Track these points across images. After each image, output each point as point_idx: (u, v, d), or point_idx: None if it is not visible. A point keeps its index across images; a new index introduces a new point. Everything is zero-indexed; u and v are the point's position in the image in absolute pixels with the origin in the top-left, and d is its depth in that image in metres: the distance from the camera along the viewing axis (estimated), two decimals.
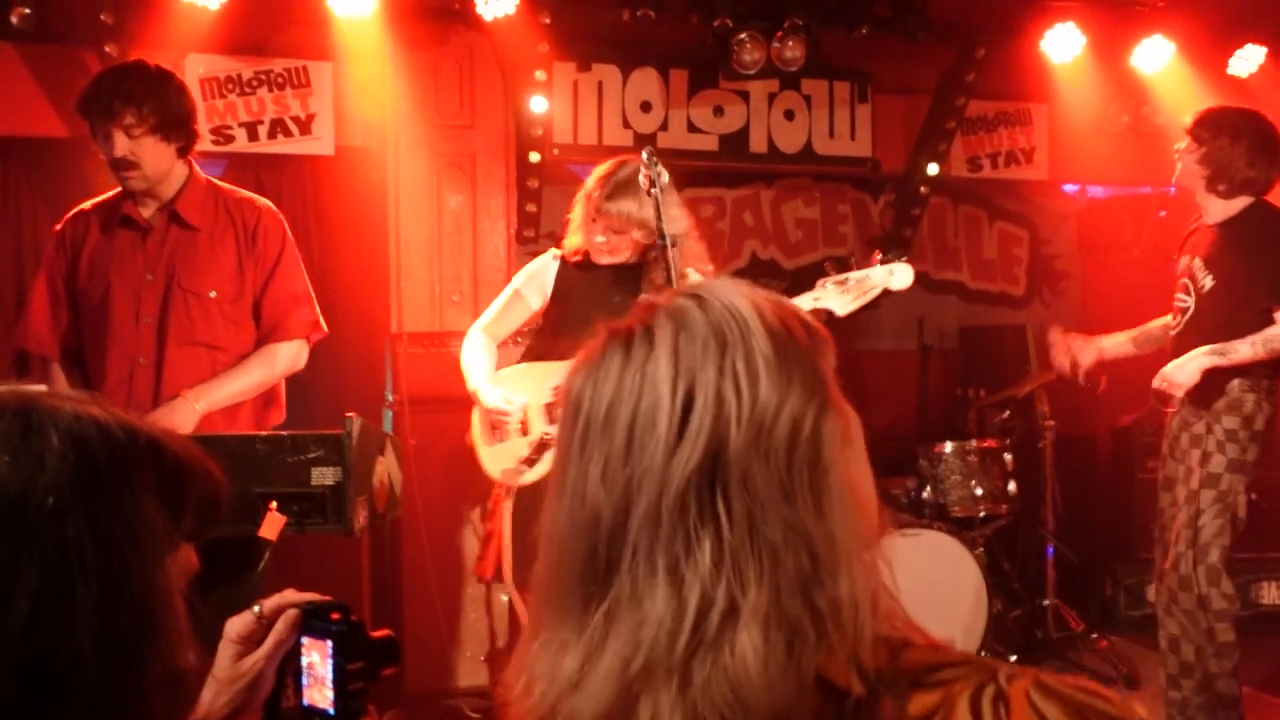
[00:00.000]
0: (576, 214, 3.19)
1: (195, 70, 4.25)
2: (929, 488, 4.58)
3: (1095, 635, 4.79)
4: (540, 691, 0.89)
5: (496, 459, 3.16)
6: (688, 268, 2.98)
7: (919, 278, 5.77)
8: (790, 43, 4.66)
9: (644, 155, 2.61)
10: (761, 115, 5.21)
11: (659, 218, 2.56)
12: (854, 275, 2.88)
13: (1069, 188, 6.04)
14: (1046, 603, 4.79)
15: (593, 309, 3.06)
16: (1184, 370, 3.42)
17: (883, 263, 2.90)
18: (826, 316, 2.88)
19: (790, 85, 5.19)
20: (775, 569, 0.83)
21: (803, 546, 0.84)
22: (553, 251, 3.24)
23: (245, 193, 3.10)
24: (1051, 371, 4.24)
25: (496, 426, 3.13)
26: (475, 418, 3.24)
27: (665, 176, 2.65)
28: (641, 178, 2.64)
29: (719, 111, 5.17)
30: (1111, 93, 5.22)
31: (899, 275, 2.92)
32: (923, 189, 5.41)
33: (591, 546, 0.87)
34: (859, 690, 0.83)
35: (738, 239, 5.52)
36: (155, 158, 2.83)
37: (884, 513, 0.91)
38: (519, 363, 3.33)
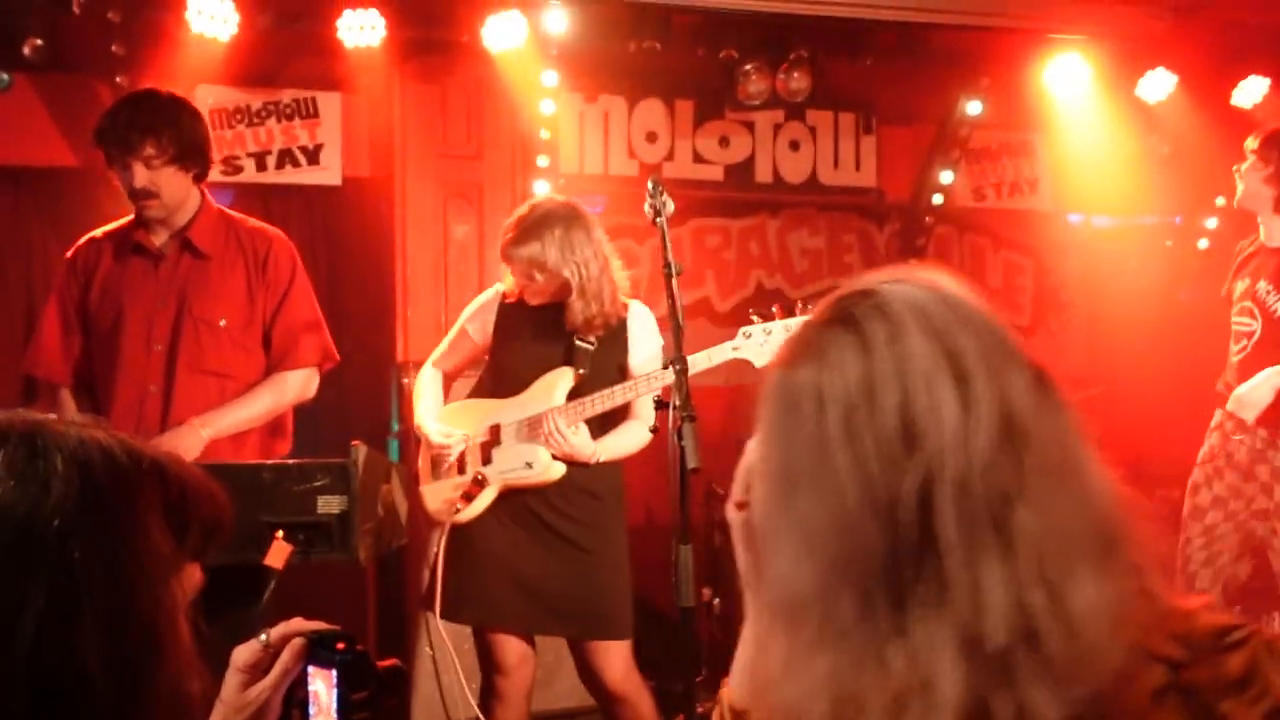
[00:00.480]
0: None
1: (205, 101, 4.28)
2: None
3: None
4: (842, 710, 0.82)
5: (434, 495, 3.10)
6: (621, 297, 3.02)
7: None
8: (795, 74, 4.70)
9: (649, 185, 2.62)
10: (767, 145, 5.24)
11: (664, 247, 2.56)
12: (775, 326, 2.82)
13: (1073, 218, 6.05)
14: None
15: (521, 349, 3.03)
16: (1258, 390, 3.34)
17: (802, 313, 2.78)
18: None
19: (795, 116, 5.23)
20: (1077, 538, 0.83)
21: (1095, 513, 0.84)
22: (498, 287, 3.16)
23: (256, 222, 3.11)
24: None
25: (438, 463, 3.08)
26: (421, 455, 3.18)
27: (670, 206, 2.65)
28: (647, 207, 2.64)
29: (725, 142, 5.20)
30: (1115, 123, 5.24)
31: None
32: (928, 219, 5.43)
33: (890, 536, 0.81)
34: (1181, 656, 0.85)
35: (743, 268, 5.53)
36: (174, 187, 2.85)
37: None
38: (467, 398, 3.24)
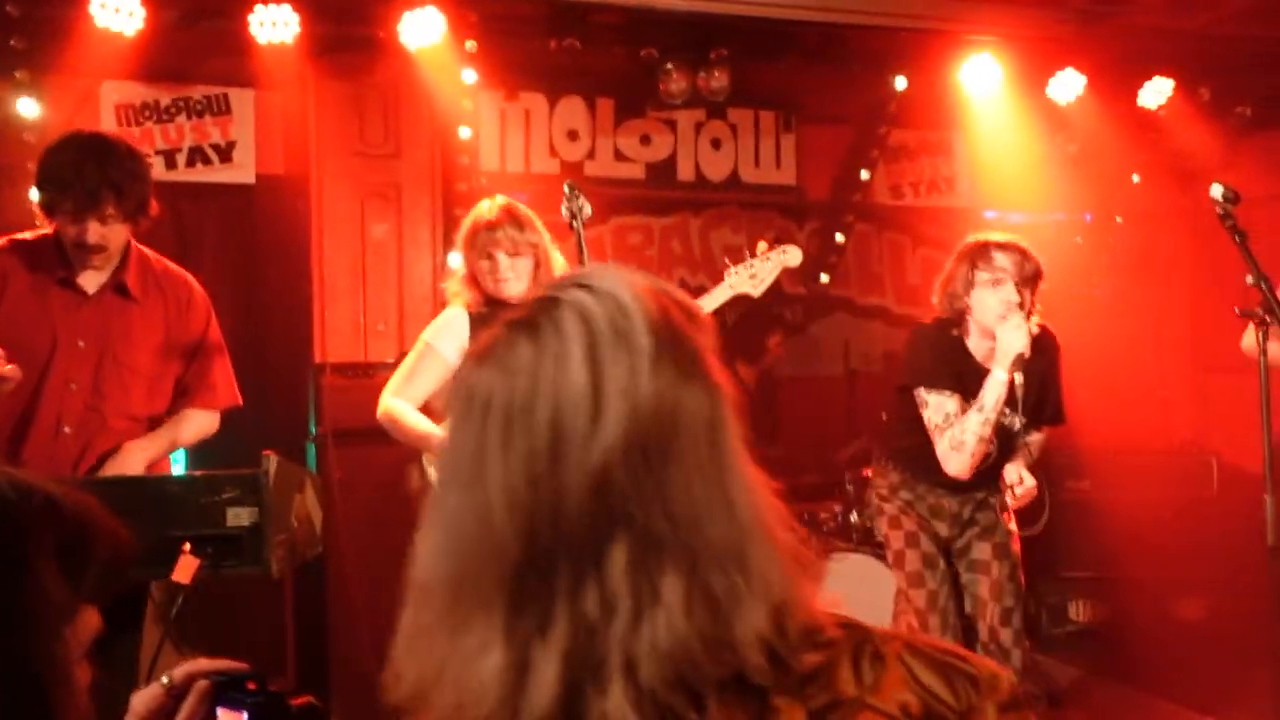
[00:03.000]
0: (460, 268, 3.16)
1: (110, 97, 4.17)
2: (855, 512, 4.62)
3: None
4: (458, 698, 0.86)
5: None
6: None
7: (845, 304, 5.93)
8: (716, 73, 4.72)
9: (566, 188, 2.61)
10: (688, 144, 5.26)
11: (580, 250, 2.55)
12: (754, 261, 3.20)
13: (989, 214, 6.17)
14: None
15: None
16: None
17: (772, 248, 3.25)
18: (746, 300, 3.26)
19: (717, 115, 5.26)
20: (693, 548, 0.85)
21: (717, 523, 0.86)
22: (459, 305, 3.14)
23: (168, 263, 3.01)
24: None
25: None
26: (431, 468, 3.09)
27: (588, 210, 2.65)
28: (564, 210, 2.63)
29: (646, 140, 5.21)
30: (1028, 123, 5.35)
31: (791, 255, 3.27)
32: (847, 216, 5.49)
33: (523, 543, 0.85)
34: (782, 651, 0.87)
35: (666, 266, 5.54)
36: (120, 239, 2.76)
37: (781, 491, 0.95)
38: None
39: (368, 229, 4.57)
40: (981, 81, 4.98)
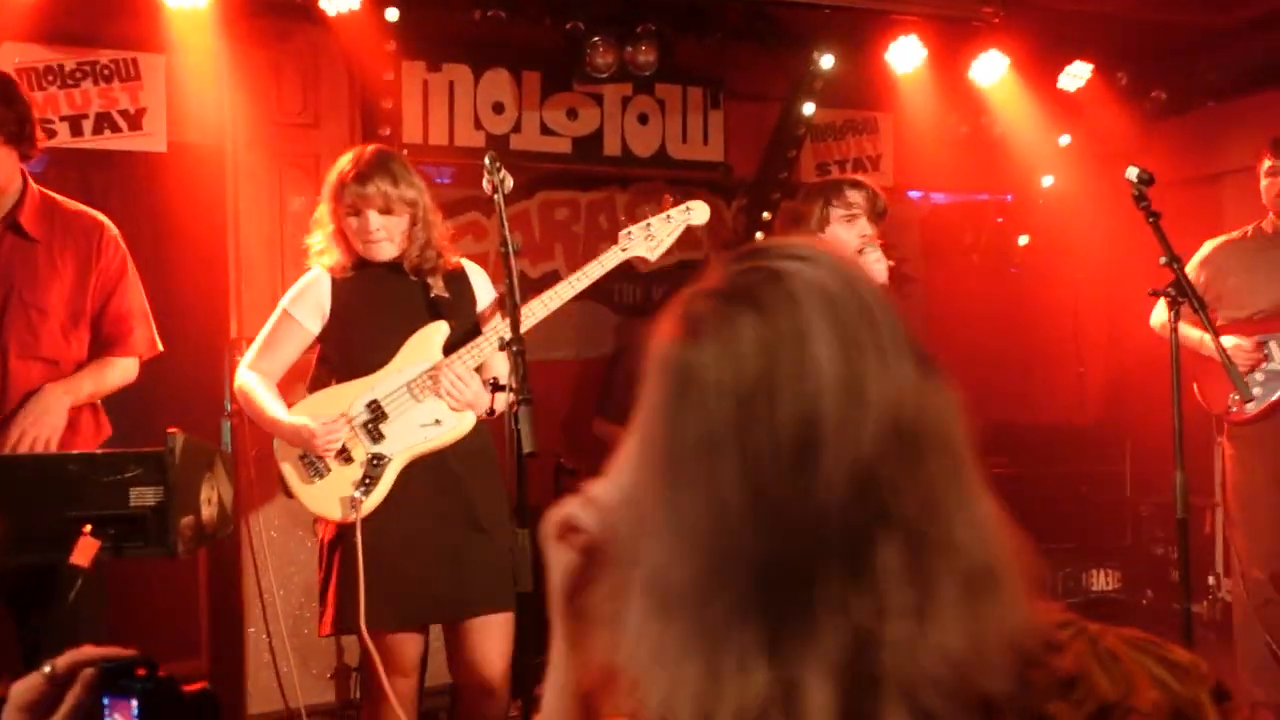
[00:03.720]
0: (326, 225, 2.87)
1: (10, 59, 3.98)
2: None
3: None
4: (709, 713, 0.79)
5: (322, 498, 2.80)
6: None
7: None
8: (643, 47, 4.67)
9: (486, 161, 2.55)
10: (615, 119, 5.21)
11: (502, 224, 2.50)
12: (654, 220, 3.00)
13: (913, 194, 6.23)
14: None
15: (377, 320, 2.82)
16: None
17: (675, 206, 3.05)
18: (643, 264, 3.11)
19: (644, 89, 5.21)
20: (956, 549, 0.81)
21: (966, 524, 0.82)
22: (318, 269, 2.89)
23: (79, 205, 2.92)
24: None
25: (310, 462, 2.81)
26: (284, 462, 2.85)
27: (510, 183, 2.59)
28: (485, 184, 2.58)
29: (572, 114, 5.14)
30: (952, 104, 5.40)
31: (696, 211, 3.08)
32: (774, 194, 5.50)
33: (775, 546, 0.78)
34: (1035, 652, 0.84)
35: (593, 241, 5.49)
36: (5, 168, 2.65)
37: None
38: (308, 396, 2.93)
39: (285, 200, 4.45)
40: (906, 62, 5.01)
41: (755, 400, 0.79)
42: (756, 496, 0.78)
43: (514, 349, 2.42)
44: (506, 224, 2.52)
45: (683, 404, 0.82)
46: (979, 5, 4.80)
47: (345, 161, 2.85)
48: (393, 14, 4.20)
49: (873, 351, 0.81)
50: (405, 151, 4.64)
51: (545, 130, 5.10)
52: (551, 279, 5.46)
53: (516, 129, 5.03)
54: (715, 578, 0.79)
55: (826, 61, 5.05)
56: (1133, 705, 0.84)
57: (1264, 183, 3.91)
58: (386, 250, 2.83)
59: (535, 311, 2.86)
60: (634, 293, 5.51)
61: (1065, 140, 5.72)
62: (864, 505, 0.78)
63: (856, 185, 3.29)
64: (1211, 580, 5.45)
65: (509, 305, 2.49)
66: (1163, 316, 3.82)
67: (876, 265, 3.14)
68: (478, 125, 4.95)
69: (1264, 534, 3.82)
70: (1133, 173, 3.06)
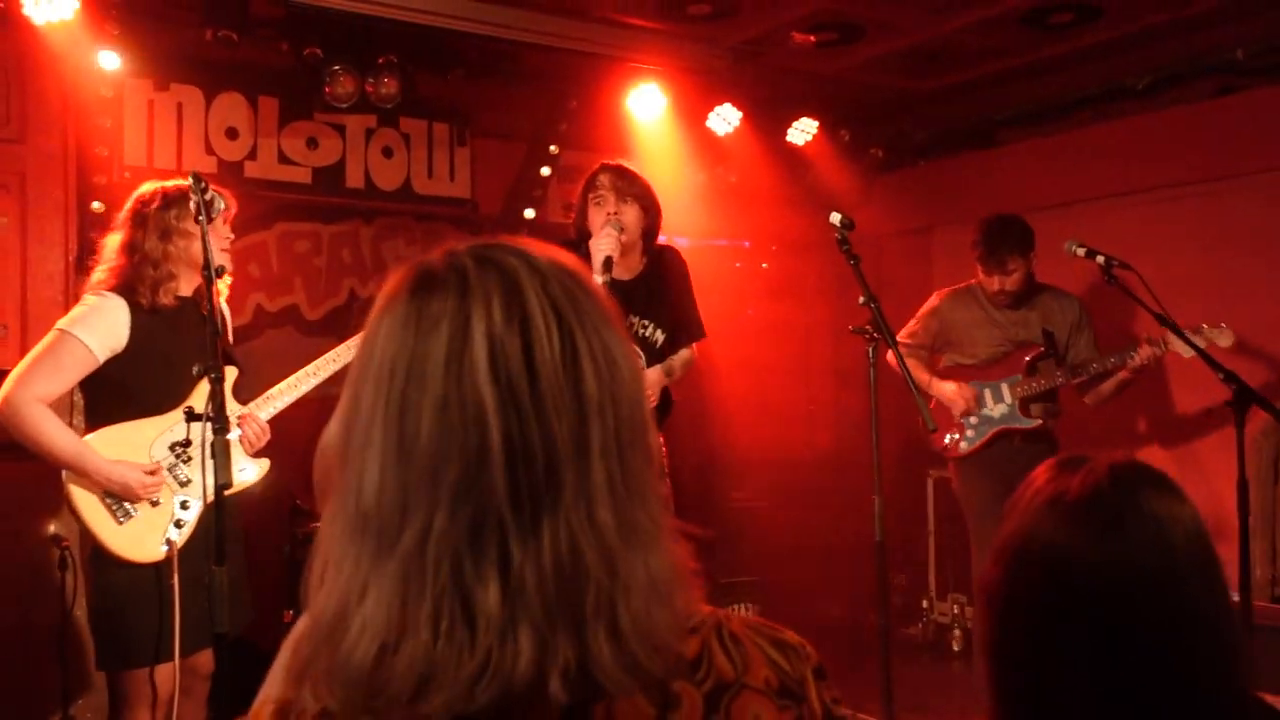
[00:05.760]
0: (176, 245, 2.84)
1: None
2: None
3: None
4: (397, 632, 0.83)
5: (134, 540, 2.75)
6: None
7: None
8: (385, 79, 4.62)
9: (191, 179, 2.44)
10: (358, 150, 5.12)
11: (205, 246, 2.40)
12: None
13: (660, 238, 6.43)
14: None
15: (171, 357, 2.79)
16: None
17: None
18: None
19: (388, 122, 5.16)
20: (626, 527, 0.86)
21: (641, 505, 0.88)
22: (116, 296, 2.81)
23: None
24: None
25: (118, 504, 2.75)
26: (84, 499, 2.74)
27: (220, 203, 2.49)
28: (192, 204, 2.46)
29: (313, 143, 5.02)
30: (691, 151, 5.63)
31: None
32: (521, 231, 5.54)
33: (483, 474, 0.83)
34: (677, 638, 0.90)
35: (335, 276, 5.36)
36: None
37: None
38: (90, 431, 2.83)
39: None
40: (647, 109, 5.19)
41: (503, 337, 0.85)
42: (448, 430, 0.84)
43: (211, 376, 2.31)
44: (211, 246, 2.42)
45: (384, 338, 0.88)
46: (712, 59, 5.05)
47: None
48: (111, 26, 3.97)
49: (569, 323, 0.87)
50: (128, 174, 4.39)
51: (284, 159, 4.94)
52: (290, 313, 5.31)
53: (252, 155, 4.85)
54: (412, 501, 0.84)
55: (570, 104, 5.17)
56: (746, 683, 0.92)
57: (980, 276, 4.31)
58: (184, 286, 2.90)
59: (284, 395, 3.04)
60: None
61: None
62: (543, 455, 0.84)
63: (606, 168, 3.54)
64: (925, 604, 5.86)
65: (209, 329, 2.39)
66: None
67: (603, 240, 3.31)
68: (209, 150, 4.74)
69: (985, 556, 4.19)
70: (835, 218, 3.28)
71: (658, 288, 3.60)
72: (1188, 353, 3.79)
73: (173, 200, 2.79)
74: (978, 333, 4.33)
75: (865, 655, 3.88)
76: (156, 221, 2.79)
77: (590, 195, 3.50)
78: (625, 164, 3.60)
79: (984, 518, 4.20)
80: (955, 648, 5.62)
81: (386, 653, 0.82)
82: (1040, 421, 4.17)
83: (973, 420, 4.21)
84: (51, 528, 3.70)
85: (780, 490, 5.94)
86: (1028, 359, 4.22)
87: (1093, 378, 4.21)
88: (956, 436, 4.26)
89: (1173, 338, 3.83)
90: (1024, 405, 4.20)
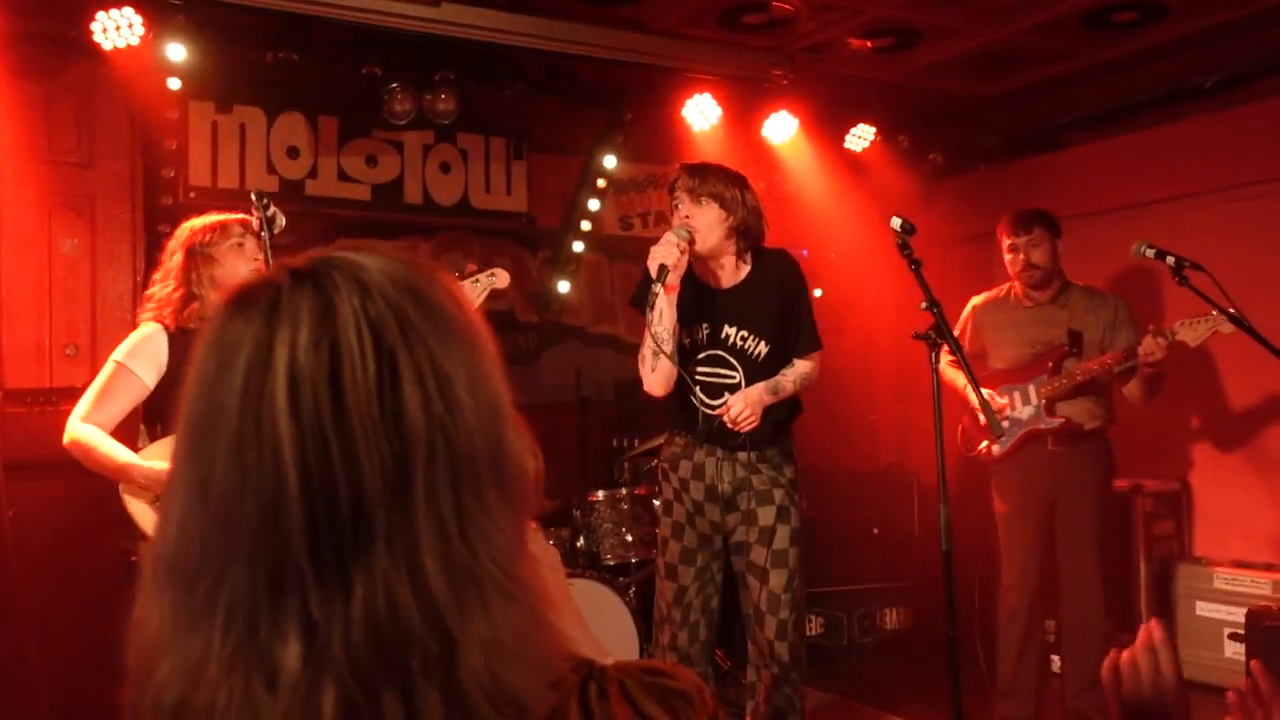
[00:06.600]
0: (202, 272, 2.90)
1: None
2: (583, 537, 4.64)
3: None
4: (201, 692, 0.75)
5: None
6: None
7: (577, 333, 5.98)
8: (442, 95, 4.67)
9: (253, 196, 2.48)
10: (416, 167, 5.17)
11: (267, 264, 2.43)
12: (464, 283, 3.14)
13: None
14: None
15: None
16: None
17: (480, 271, 3.23)
18: None
19: (445, 138, 5.21)
20: (473, 562, 0.77)
21: (491, 549, 0.78)
22: (153, 323, 2.92)
23: None
24: None
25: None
26: (135, 505, 2.87)
27: (281, 220, 2.53)
28: (254, 220, 2.50)
29: (372, 161, 5.08)
30: (746, 160, 5.58)
31: (499, 277, 3.27)
32: (577, 245, 5.56)
33: (293, 519, 0.74)
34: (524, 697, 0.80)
35: None
36: None
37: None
38: (140, 450, 2.94)
39: (55, 242, 4.20)
40: (702, 119, 5.18)
41: (309, 372, 0.75)
42: (243, 472, 0.75)
43: None
44: (240, 268, 2.45)
45: (193, 367, 0.80)
46: (769, 67, 5.02)
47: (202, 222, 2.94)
48: (177, 51, 4.06)
49: (413, 340, 0.78)
50: (193, 194, 4.48)
51: (343, 176, 5.01)
52: None
53: (313, 174, 4.93)
54: (208, 551, 0.76)
55: (626, 117, 5.18)
56: None
57: (1006, 257, 4.23)
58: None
59: None
60: None
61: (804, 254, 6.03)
62: (366, 494, 0.74)
63: (683, 169, 3.39)
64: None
65: None
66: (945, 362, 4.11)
67: (660, 246, 3.16)
68: (271, 169, 4.82)
69: (1015, 557, 4.11)
70: (896, 222, 3.23)
71: (762, 296, 3.37)
72: (1195, 342, 3.73)
73: (201, 230, 2.89)
74: (1009, 334, 4.23)
75: (936, 665, 3.81)
76: (187, 249, 2.91)
77: (671, 200, 3.35)
78: (707, 162, 3.41)
79: (1011, 522, 4.12)
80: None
81: (185, 708, 0.75)
82: (1062, 420, 4.01)
83: (1004, 424, 4.10)
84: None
85: (837, 502, 5.86)
86: (1051, 361, 4.10)
87: (1121, 374, 4.05)
88: (986, 443, 4.16)
89: (1180, 329, 3.75)
90: (1049, 406, 4.07)
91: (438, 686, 0.75)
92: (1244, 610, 4.26)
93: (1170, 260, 3.68)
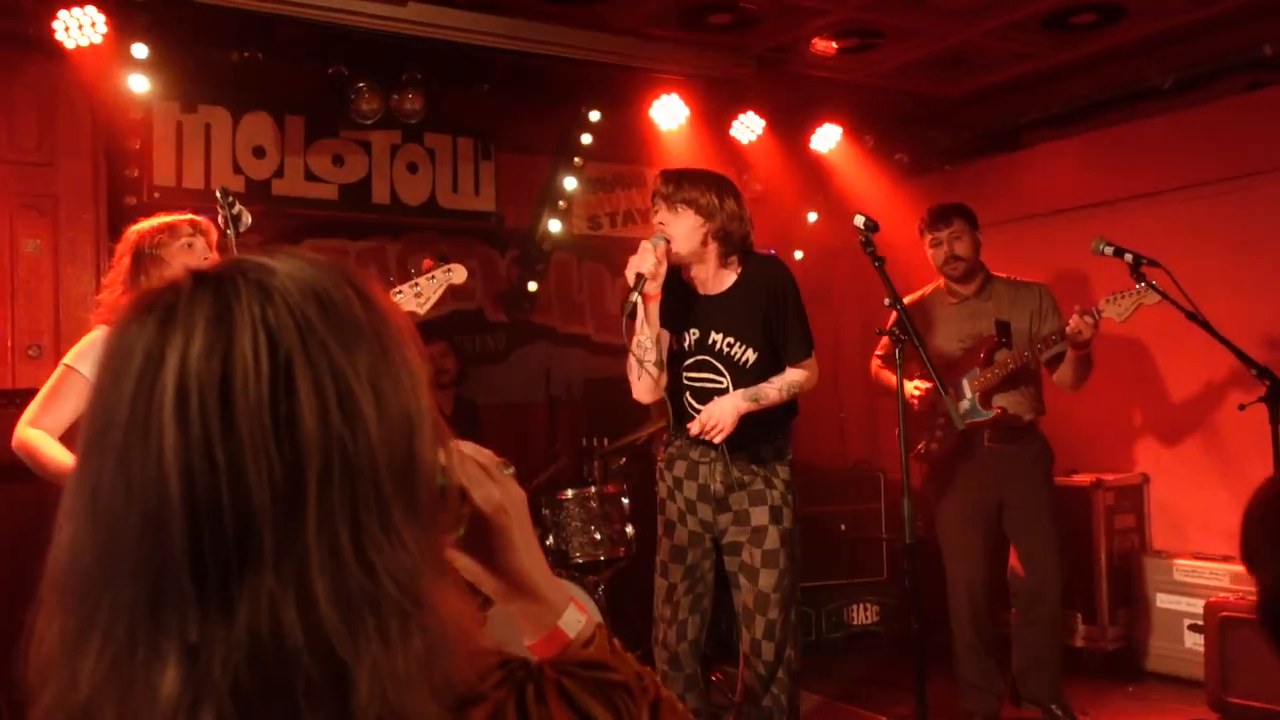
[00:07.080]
0: (151, 273, 2.82)
1: None
2: (552, 536, 4.65)
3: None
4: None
5: None
6: None
7: (547, 332, 5.99)
8: (409, 95, 4.67)
9: (218, 194, 2.48)
10: (384, 167, 5.16)
11: None
12: (420, 280, 3.14)
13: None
14: None
15: None
16: None
17: (437, 266, 3.22)
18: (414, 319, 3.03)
19: (413, 138, 5.20)
20: (375, 582, 0.73)
21: (391, 568, 0.74)
22: (103, 327, 2.89)
23: None
24: (664, 420, 4.45)
25: None
26: None
27: (247, 218, 2.52)
28: (219, 218, 2.50)
29: (339, 161, 5.06)
30: (714, 159, 5.62)
31: (455, 272, 3.24)
32: (545, 245, 5.57)
33: (181, 535, 0.70)
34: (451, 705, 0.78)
35: None
36: None
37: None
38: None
39: (18, 243, 4.16)
40: (670, 119, 5.20)
41: (207, 381, 0.72)
42: (129, 484, 0.72)
43: None
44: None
45: (95, 384, 0.77)
46: (734, 67, 5.05)
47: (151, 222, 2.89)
48: (140, 50, 4.03)
49: (315, 345, 0.74)
50: (157, 195, 4.45)
51: (310, 176, 4.99)
52: None
53: (279, 174, 4.91)
54: (95, 567, 0.73)
55: (593, 116, 5.19)
56: None
57: (929, 252, 4.28)
58: None
59: None
60: None
61: (813, 217, 6.09)
62: (257, 508, 0.71)
63: (658, 177, 3.35)
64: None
65: None
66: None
67: (636, 256, 3.14)
68: (237, 169, 4.80)
69: (959, 557, 4.14)
70: (860, 220, 3.27)
71: (750, 302, 3.34)
72: (1121, 318, 3.77)
73: (149, 232, 2.86)
74: (938, 331, 4.26)
75: (903, 658, 3.84)
76: (134, 252, 2.87)
77: (652, 208, 3.32)
78: (689, 168, 3.37)
79: (953, 522, 4.13)
80: None
81: None
82: (999, 410, 4.04)
83: (940, 420, 4.12)
84: None
85: (812, 497, 5.90)
86: (982, 354, 4.13)
87: (1051, 360, 4.10)
88: (927, 439, 4.18)
89: (1105, 306, 3.79)
90: (984, 398, 4.10)
91: (326, 716, 0.71)
92: (1203, 601, 4.34)
93: (1128, 257, 3.74)
